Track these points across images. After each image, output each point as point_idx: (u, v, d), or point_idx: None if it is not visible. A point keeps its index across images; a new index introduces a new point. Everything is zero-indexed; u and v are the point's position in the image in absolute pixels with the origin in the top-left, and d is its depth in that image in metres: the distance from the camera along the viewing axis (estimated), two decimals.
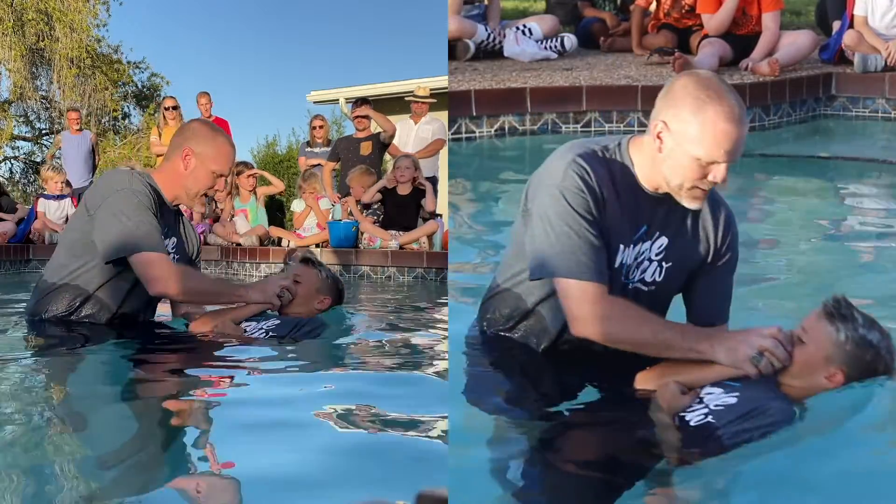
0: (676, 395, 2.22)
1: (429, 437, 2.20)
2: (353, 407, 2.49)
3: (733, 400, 2.14)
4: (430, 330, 4.07)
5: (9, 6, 17.50)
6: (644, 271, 2.45)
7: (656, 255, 2.44)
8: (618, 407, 2.33)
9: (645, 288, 2.46)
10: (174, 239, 3.31)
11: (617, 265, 2.40)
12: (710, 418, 2.10)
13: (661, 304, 2.50)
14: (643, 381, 2.34)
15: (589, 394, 2.43)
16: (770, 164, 6.18)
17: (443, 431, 2.19)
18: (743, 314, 3.37)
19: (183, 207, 3.40)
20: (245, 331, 3.24)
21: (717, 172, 2.29)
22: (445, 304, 5.07)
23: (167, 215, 3.25)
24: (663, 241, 2.44)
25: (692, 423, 2.11)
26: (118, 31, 27.25)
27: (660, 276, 2.45)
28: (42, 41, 17.94)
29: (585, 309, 2.31)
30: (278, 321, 3.28)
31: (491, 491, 1.93)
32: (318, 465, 1.96)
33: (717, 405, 2.14)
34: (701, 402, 2.18)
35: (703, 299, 2.53)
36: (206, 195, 3.38)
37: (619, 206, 2.38)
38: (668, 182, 2.36)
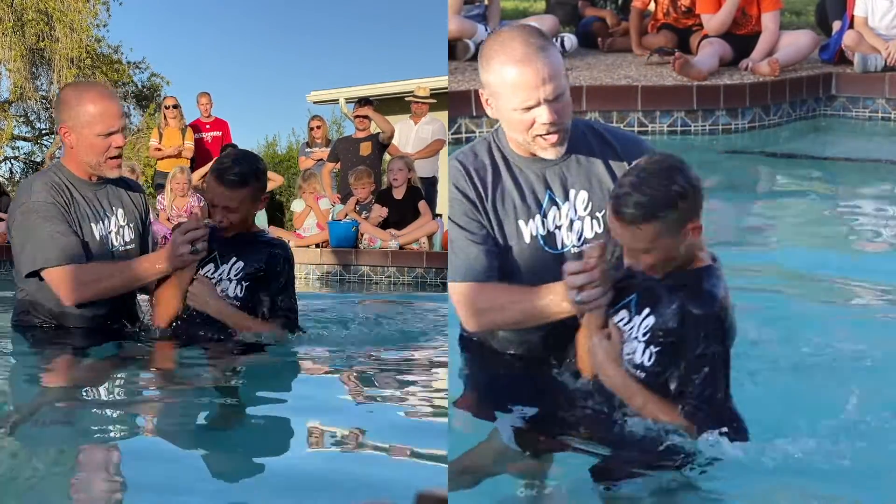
0: (605, 343, 2.11)
1: (428, 437, 2.20)
2: (353, 407, 2.49)
3: (650, 319, 2.06)
4: (430, 330, 4.06)
5: (9, 6, 17.48)
6: (580, 231, 2.45)
7: (584, 210, 2.45)
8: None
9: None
10: (119, 210, 3.19)
11: (528, 240, 2.43)
12: (652, 348, 2.03)
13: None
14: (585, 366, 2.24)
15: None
16: (770, 163, 6.18)
17: (442, 431, 2.19)
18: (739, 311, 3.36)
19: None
20: (213, 281, 3.05)
21: (540, 115, 2.31)
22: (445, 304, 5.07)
23: (98, 194, 3.14)
24: (584, 194, 2.45)
25: (646, 364, 2.04)
26: (118, 31, 27.22)
27: (600, 227, 2.44)
28: (42, 41, 17.91)
29: (463, 309, 2.44)
30: (240, 262, 3.07)
31: (490, 491, 1.93)
32: (319, 465, 1.96)
33: (644, 330, 2.06)
34: (627, 333, 2.10)
35: None
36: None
37: (512, 186, 2.43)
38: (516, 141, 2.41)
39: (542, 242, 2.43)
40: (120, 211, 3.20)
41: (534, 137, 2.35)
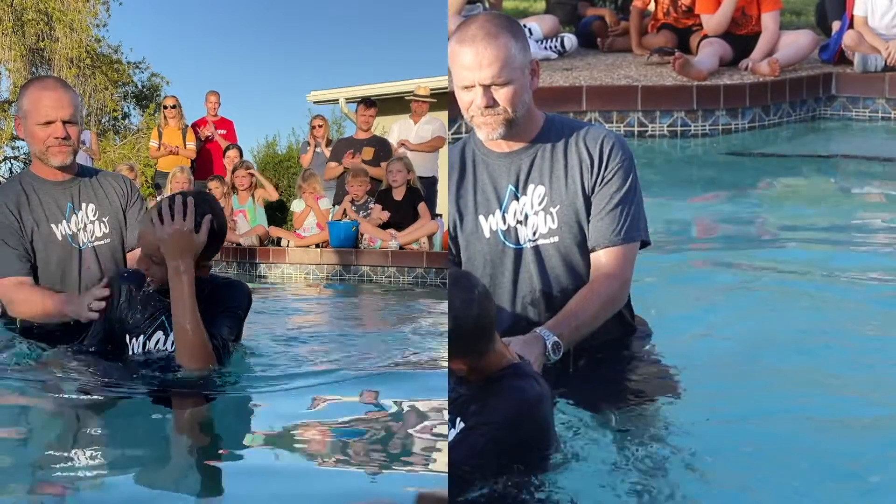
0: None
1: (428, 438, 2.20)
2: (353, 407, 2.49)
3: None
4: (429, 329, 4.07)
5: (9, 6, 17.49)
6: (535, 226, 2.45)
7: (539, 204, 2.45)
8: None
9: (549, 241, 2.44)
10: (90, 206, 3.14)
11: (488, 235, 2.45)
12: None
13: (581, 252, 2.45)
14: None
15: None
16: (769, 163, 6.18)
17: (443, 432, 2.19)
18: (739, 314, 3.37)
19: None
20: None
21: (475, 97, 2.35)
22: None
23: (63, 192, 3.10)
24: (541, 189, 2.45)
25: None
26: (118, 31, 27.17)
27: (553, 222, 2.44)
28: (42, 41, 17.92)
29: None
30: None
31: (490, 492, 1.93)
32: (319, 468, 1.96)
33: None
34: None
35: (592, 223, 2.45)
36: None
37: (474, 181, 2.46)
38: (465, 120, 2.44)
39: (501, 237, 2.45)
40: (91, 206, 3.15)
41: (471, 117, 2.39)
